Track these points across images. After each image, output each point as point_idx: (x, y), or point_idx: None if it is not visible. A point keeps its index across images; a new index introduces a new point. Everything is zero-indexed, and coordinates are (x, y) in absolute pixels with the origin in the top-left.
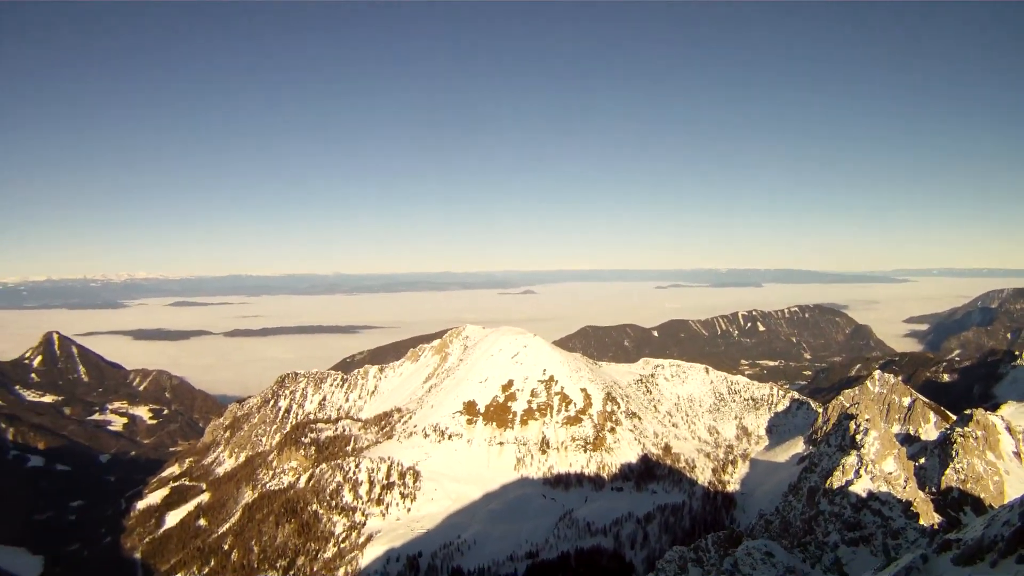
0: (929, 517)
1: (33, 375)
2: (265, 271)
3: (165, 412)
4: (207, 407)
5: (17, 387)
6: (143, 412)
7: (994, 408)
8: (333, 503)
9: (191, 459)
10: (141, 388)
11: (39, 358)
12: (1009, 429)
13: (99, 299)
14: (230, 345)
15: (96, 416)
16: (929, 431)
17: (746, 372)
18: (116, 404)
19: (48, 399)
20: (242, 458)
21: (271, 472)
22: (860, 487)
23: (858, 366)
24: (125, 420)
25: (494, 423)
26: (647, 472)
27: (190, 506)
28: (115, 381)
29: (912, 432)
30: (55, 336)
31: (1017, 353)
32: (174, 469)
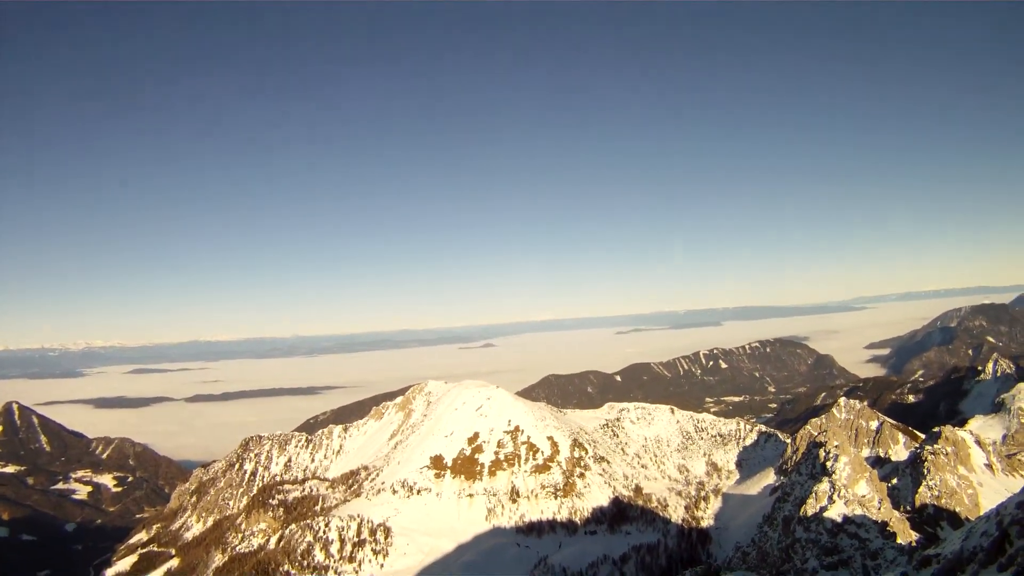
0: (906, 535)
1: None
2: (223, 336)
3: (130, 479)
4: (172, 473)
5: None
6: (107, 480)
7: (962, 424)
8: (305, 563)
9: (158, 525)
10: (104, 456)
11: (0, 428)
12: (979, 442)
13: (58, 368)
14: (192, 410)
15: (60, 485)
16: (899, 452)
17: (712, 409)
18: (80, 473)
19: (10, 469)
20: (210, 522)
21: (240, 535)
22: (835, 512)
23: (823, 395)
24: (89, 488)
25: (462, 476)
26: (619, 514)
27: (160, 572)
28: (78, 450)
29: (882, 454)
30: (15, 406)
31: (980, 368)
32: (142, 536)
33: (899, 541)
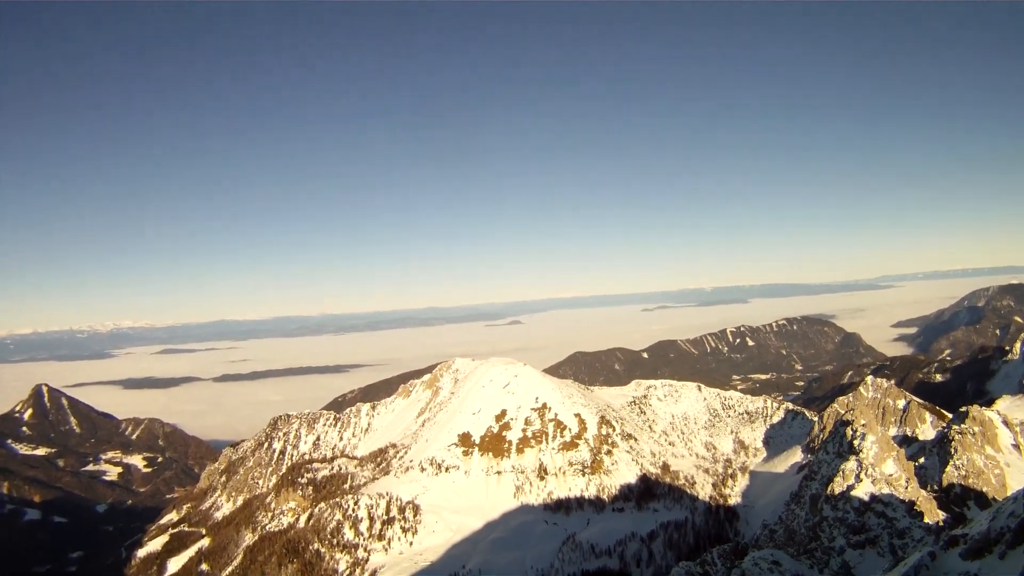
0: (933, 515)
1: (24, 428)
2: (251, 315)
3: (159, 460)
4: (201, 453)
5: (9, 441)
6: (137, 461)
7: (989, 404)
8: (335, 541)
9: (189, 505)
10: (134, 437)
11: (29, 411)
12: (1006, 423)
13: (86, 350)
14: (220, 390)
15: (90, 467)
16: (926, 431)
17: (738, 387)
18: (110, 454)
19: (41, 452)
20: (240, 501)
21: (270, 514)
22: (862, 491)
23: (850, 373)
24: (120, 469)
25: (490, 453)
26: (647, 491)
27: (191, 552)
28: (107, 431)
29: (909, 433)
30: (44, 388)
31: (1007, 348)
32: (172, 516)
33: (926, 520)
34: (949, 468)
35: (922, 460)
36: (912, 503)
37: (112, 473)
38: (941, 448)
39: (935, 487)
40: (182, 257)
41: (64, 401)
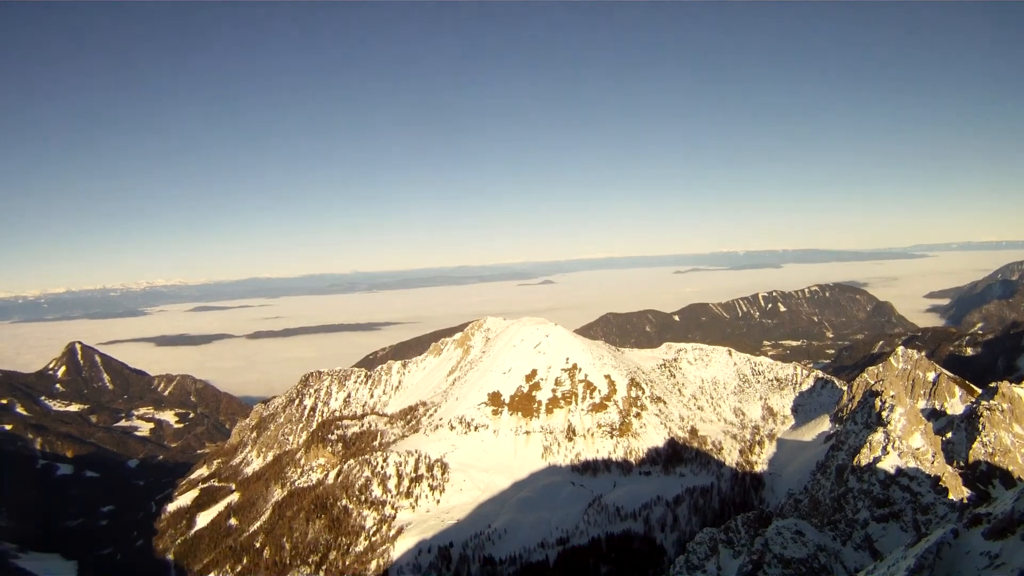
0: (958, 491)
1: (58, 385)
2: (283, 273)
3: (191, 416)
4: (233, 409)
5: (43, 398)
6: (169, 416)
7: (1019, 380)
8: (362, 497)
9: (219, 460)
10: (166, 393)
11: (63, 368)
12: None
13: (119, 308)
14: (252, 347)
15: (122, 422)
16: (955, 405)
17: (769, 353)
18: (142, 410)
19: (74, 408)
20: (270, 457)
21: (299, 470)
22: (888, 463)
23: (881, 343)
24: (151, 425)
25: (519, 413)
26: (674, 455)
27: (220, 506)
28: (140, 387)
29: (938, 407)
30: (78, 346)
31: None
32: (203, 471)
33: (951, 497)
34: (976, 445)
35: (949, 435)
36: (937, 478)
37: (144, 429)
38: (969, 424)
39: (961, 463)
40: (215, 215)
41: (97, 358)
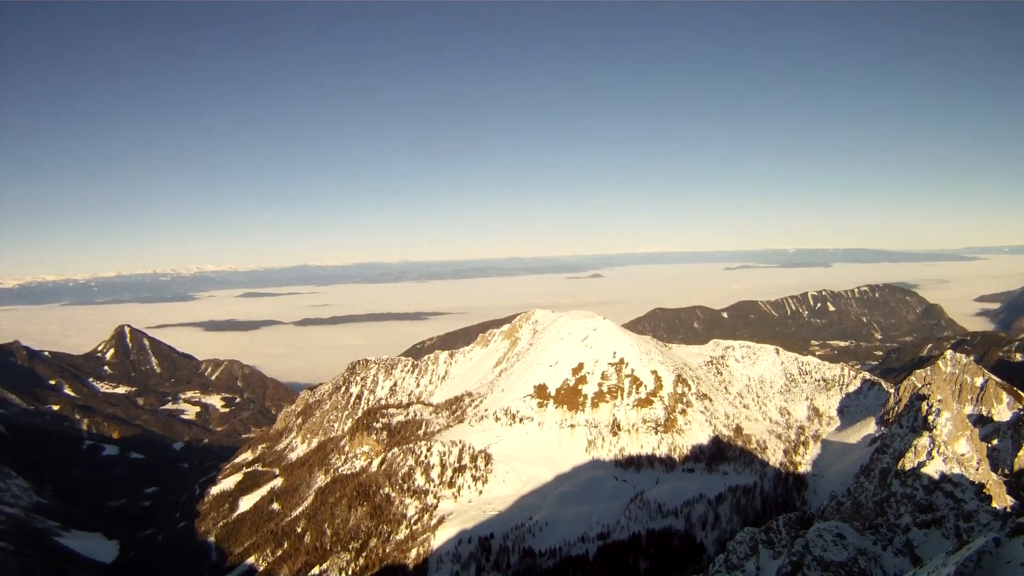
0: (1002, 500)
1: (106, 367)
2: (332, 261)
3: (237, 400)
4: (279, 395)
5: (91, 379)
6: (215, 401)
7: None
8: (405, 486)
9: (264, 445)
10: (213, 377)
11: (111, 351)
12: None
13: (169, 292)
14: (300, 334)
15: (169, 405)
16: (1002, 412)
17: (816, 353)
18: (188, 394)
19: (121, 390)
20: (314, 444)
21: (343, 457)
22: (932, 469)
23: (929, 346)
24: (198, 409)
25: (565, 406)
26: (718, 453)
27: (263, 491)
28: (187, 371)
29: (984, 413)
30: (127, 329)
31: None
32: (247, 455)
33: (994, 505)
34: (1022, 453)
35: (995, 442)
36: (982, 486)
37: (190, 412)
38: (1015, 431)
39: (1006, 471)
40: (266, 202)
41: (146, 342)
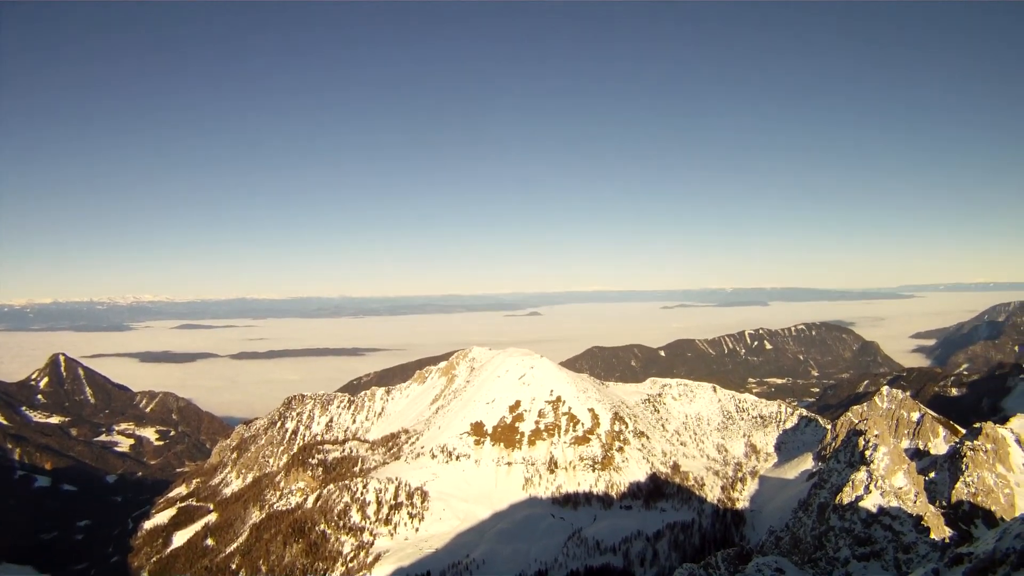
0: (940, 531)
1: (40, 396)
2: (270, 294)
3: (172, 433)
4: (214, 429)
5: (24, 408)
6: (150, 433)
7: (1003, 421)
8: (341, 523)
9: (198, 480)
10: (148, 409)
11: (45, 379)
12: (1019, 442)
13: (105, 322)
14: (236, 367)
15: (103, 437)
16: (938, 445)
17: (754, 390)
18: (123, 425)
19: (55, 420)
20: (249, 479)
21: (279, 493)
22: (870, 502)
23: (866, 382)
24: (132, 441)
25: (502, 443)
26: (656, 490)
27: (197, 526)
28: (122, 403)
29: (921, 447)
30: (61, 358)
31: None
32: (181, 489)
33: (933, 536)
34: (959, 485)
35: (932, 475)
36: (920, 518)
37: (124, 444)
38: (952, 464)
39: (944, 503)
40: (204, 234)
41: (80, 371)
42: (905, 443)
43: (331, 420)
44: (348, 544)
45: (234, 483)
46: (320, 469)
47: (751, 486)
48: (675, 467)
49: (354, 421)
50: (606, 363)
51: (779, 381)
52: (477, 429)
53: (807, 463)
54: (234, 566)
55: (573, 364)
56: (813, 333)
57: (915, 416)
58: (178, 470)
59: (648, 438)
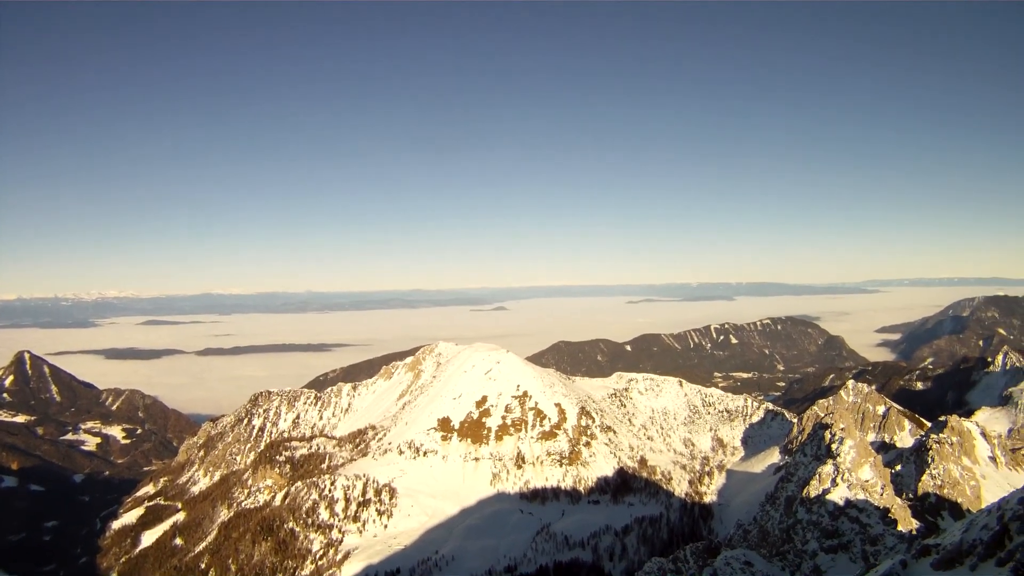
0: (907, 523)
1: (4, 395)
2: (236, 289)
3: (138, 431)
4: (181, 426)
5: None
6: (116, 432)
7: (968, 414)
8: (309, 521)
9: (166, 478)
10: (114, 407)
11: (10, 378)
12: (984, 434)
13: (70, 318)
14: (202, 364)
15: (69, 436)
16: (904, 439)
17: (720, 384)
18: (89, 424)
19: (20, 419)
20: (217, 477)
21: (246, 491)
22: (837, 495)
23: (831, 376)
24: (98, 440)
25: (469, 439)
26: (623, 485)
27: (166, 525)
28: (88, 400)
29: (887, 440)
30: (26, 355)
31: (989, 360)
32: (149, 488)
33: (900, 528)
34: (925, 477)
35: (899, 468)
36: (886, 510)
37: (91, 443)
38: (918, 457)
39: (910, 495)
40: (170, 228)
41: (46, 369)
42: (871, 436)
43: (298, 417)
44: (317, 542)
45: (202, 481)
46: (288, 466)
47: (718, 480)
48: (642, 461)
49: (321, 418)
50: (572, 358)
51: (745, 375)
52: (444, 425)
53: (774, 457)
54: (203, 565)
55: (539, 359)
56: (779, 327)
57: (881, 410)
58: (145, 469)
59: (615, 433)
